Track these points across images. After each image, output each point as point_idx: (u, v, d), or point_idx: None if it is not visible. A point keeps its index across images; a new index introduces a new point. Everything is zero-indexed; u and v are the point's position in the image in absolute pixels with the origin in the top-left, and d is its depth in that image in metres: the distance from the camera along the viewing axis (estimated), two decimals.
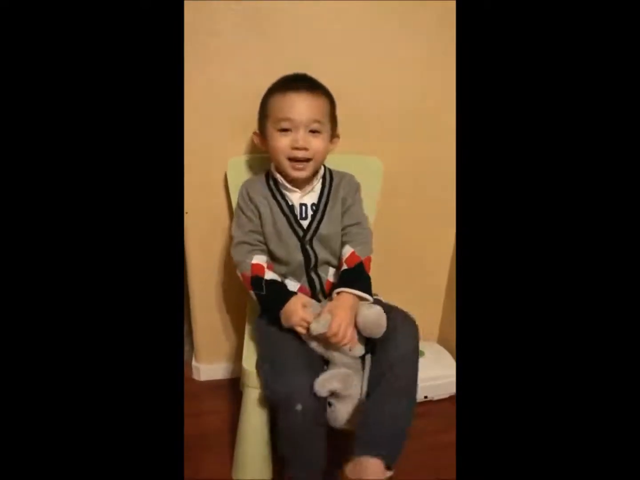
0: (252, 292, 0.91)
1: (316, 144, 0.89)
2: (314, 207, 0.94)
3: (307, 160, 0.89)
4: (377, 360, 0.85)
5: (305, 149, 0.88)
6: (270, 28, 0.98)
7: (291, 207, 0.94)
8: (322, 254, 0.95)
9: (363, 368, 0.87)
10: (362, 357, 0.87)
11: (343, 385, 0.81)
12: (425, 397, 1.25)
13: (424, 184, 1.21)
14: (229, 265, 1.19)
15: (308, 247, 0.94)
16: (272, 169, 0.96)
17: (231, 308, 1.27)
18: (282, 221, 0.93)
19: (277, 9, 0.96)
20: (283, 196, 0.94)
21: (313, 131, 0.88)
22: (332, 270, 0.97)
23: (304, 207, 0.94)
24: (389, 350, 0.83)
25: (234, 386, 1.29)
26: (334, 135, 0.94)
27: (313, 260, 0.95)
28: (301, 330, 0.84)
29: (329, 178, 0.97)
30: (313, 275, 0.96)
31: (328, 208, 0.94)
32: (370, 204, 1.03)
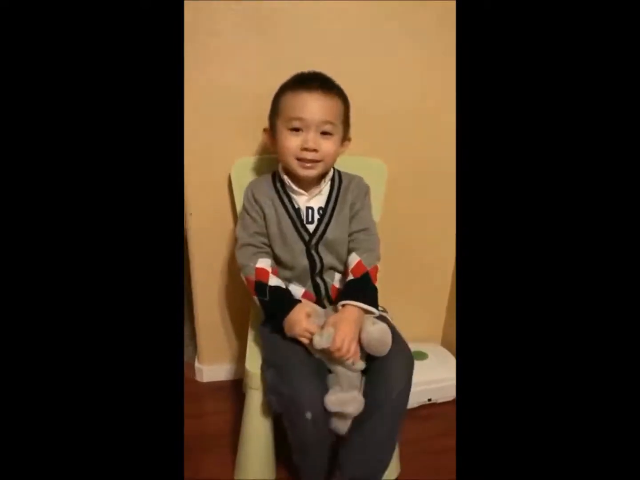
0: (255, 298, 0.89)
1: (326, 146, 0.86)
2: (320, 211, 0.92)
3: (316, 161, 0.87)
4: (368, 388, 0.83)
5: (315, 150, 0.85)
6: (270, 28, 0.98)
7: (297, 210, 0.91)
8: (328, 259, 0.93)
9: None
10: (363, 371, 0.85)
11: (356, 411, 0.80)
12: (429, 399, 1.24)
13: (426, 185, 1.21)
14: (233, 267, 1.20)
15: (313, 251, 0.92)
16: (280, 169, 0.93)
17: (234, 309, 1.26)
18: (287, 224, 0.91)
19: (277, 9, 0.97)
20: (289, 198, 0.92)
21: (324, 133, 0.86)
22: (337, 276, 0.95)
23: (310, 211, 0.92)
24: (380, 386, 0.82)
25: (236, 388, 1.29)
26: (345, 138, 0.92)
27: (319, 265, 0.92)
28: (304, 340, 0.83)
29: (338, 181, 0.95)
30: (318, 280, 0.94)
31: (335, 212, 0.92)
32: (374, 207, 1.02)
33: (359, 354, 0.82)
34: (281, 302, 0.87)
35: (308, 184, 0.91)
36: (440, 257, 1.32)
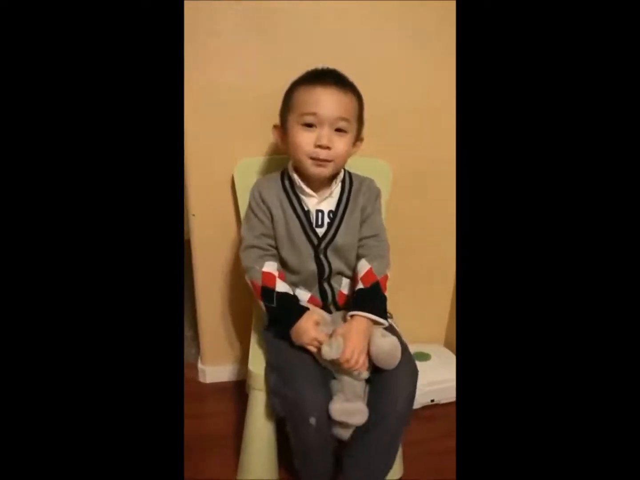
0: (261, 303, 0.87)
1: (340, 145, 0.83)
2: (331, 215, 0.89)
3: (329, 161, 0.83)
4: (372, 397, 0.82)
5: (329, 148, 0.82)
6: (270, 28, 0.98)
7: (307, 213, 0.88)
8: (337, 264, 0.90)
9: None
10: (367, 379, 0.84)
11: (360, 422, 0.79)
12: (432, 400, 1.23)
13: (430, 186, 1.21)
14: (236, 267, 1.20)
15: (322, 256, 0.89)
16: (290, 168, 0.90)
17: (237, 310, 1.26)
18: (296, 227, 0.88)
19: (277, 9, 0.97)
20: (299, 200, 0.89)
21: (338, 130, 0.82)
22: (345, 281, 0.93)
23: (320, 214, 0.89)
24: (385, 397, 0.81)
25: (239, 389, 1.29)
26: (358, 138, 0.89)
27: (327, 270, 0.90)
28: (312, 349, 0.81)
29: (349, 183, 0.92)
30: (326, 286, 0.92)
31: (346, 216, 0.89)
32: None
33: (366, 365, 0.80)
34: (289, 309, 0.84)
35: (318, 185, 0.88)
36: (443, 257, 1.31)
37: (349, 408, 0.79)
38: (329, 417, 0.78)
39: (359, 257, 0.91)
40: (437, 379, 1.22)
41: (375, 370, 0.82)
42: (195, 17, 0.93)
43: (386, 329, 0.85)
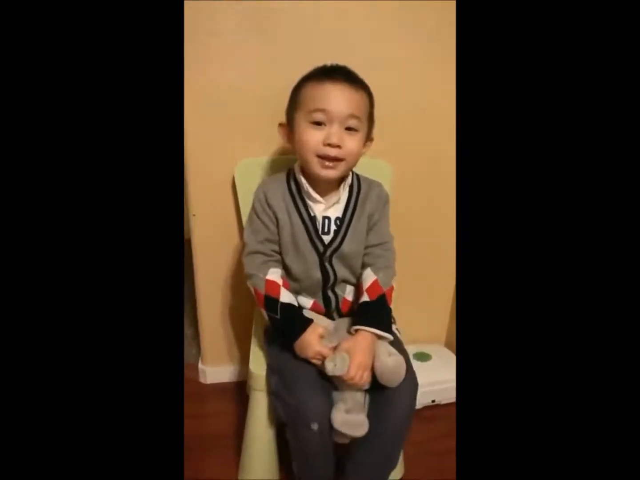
0: (264, 312, 0.85)
1: (351, 143, 0.79)
2: (337, 222, 0.86)
3: (339, 160, 0.80)
4: (373, 410, 0.81)
5: (339, 146, 0.78)
6: (270, 28, 0.98)
7: (313, 219, 0.85)
8: (342, 272, 0.88)
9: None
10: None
11: (362, 433, 0.79)
12: (433, 401, 1.23)
13: (430, 186, 1.21)
14: (236, 268, 1.20)
15: (327, 264, 0.87)
16: (296, 170, 0.86)
17: (238, 310, 1.26)
18: (301, 234, 0.85)
19: (277, 9, 0.97)
20: (305, 205, 0.85)
21: (349, 129, 0.79)
22: (349, 288, 0.91)
23: (327, 221, 0.86)
24: (386, 408, 0.80)
25: (240, 389, 1.29)
26: (368, 137, 0.85)
27: (332, 278, 0.88)
28: (316, 362, 0.80)
29: (357, 187, 0.88)
30: (329, 293, 0.90)
31: (353, 224, 0.86)
32: None
33: (369, 380, 0.79)
34: (293, 321, 0.82)
35: (326, 189, 0.85)
36: (444, 257, 1.31)
37: (351, 420, 0.78)
38: (331, 424, 0.77)
39: (364, 266, 0.89)
40: (438, 380, 1.22)
41: (377, 382, 0.81)
42: (195, 17, 0.93)
43: (391, 343, 0.83)
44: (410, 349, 0.90)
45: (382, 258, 0.88)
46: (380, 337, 0.81)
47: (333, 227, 0.86)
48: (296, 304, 0.85)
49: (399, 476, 1.02)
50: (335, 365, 0.76)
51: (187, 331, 1.50)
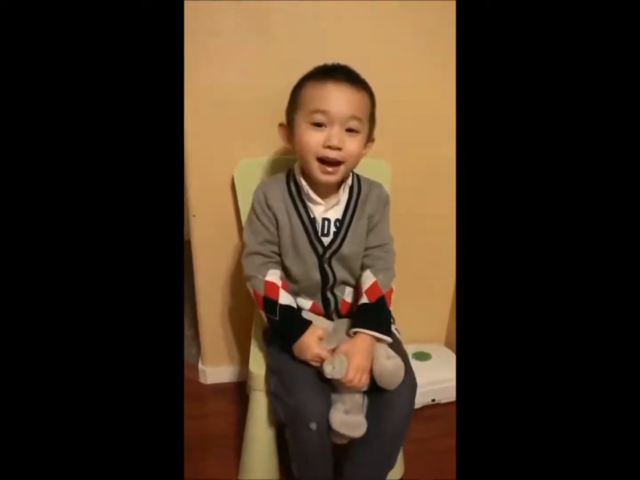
0: (263, 314, 0.85)
1: (351, 145, 0.78)
2: (337, 224, 0.85)
3: (338, 163, 0.78)
4: (371, 411, 0.81)
5: (339, 148, 0.77)
6: (270, 28, 0.98)
7: (312, 221, 0.84)
8: (341, 273, 0.87)
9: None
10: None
11: (360, 434, 0.79)
12: (433, 400, 1.23)
13: (430, 185, 1.21)
14: (236, 268, 1.20)
15: (326, 266, 0.86)
16: (296, 172, 0.85)
17: (238, 311, 1.26)
18: (301, 235, 0.84)
19: (277, 9, 0.97)
20: (305, 207, 0.84)
21: (350, 130, 0.78)
22: (348, 289, 0.91)
23: (326, 223, 0.85)
24: (385, 410, 0.80)
25: (240, 389, 1.29)
26: (369, 138, 0.84)
27: (331, 280, 0.87)
28: (315, 364, 0.80)
29: (357, 188, 0.87)
30: (329, 295, 0.89)
31: (352, 225, 0.85)
32: None
33: (368, 382, 0.79)
34: (292, 323, 0.82)
35: (326, 191, 0.84)
36: (443, 257, 1.31)
37: (349, 421, 0.78)
38: (329, 425, 0.77)
39: (363, 267, 0.88)
40: (438, 379, 1.22)
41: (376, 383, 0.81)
42: (195, 17, 0.93)
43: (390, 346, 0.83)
44: (410, 349, 0.90)
45: (381, 260, 0.87)
46: (379, 340, 0.81)
47: (333, 229, 0.85)
48: (295, 305, 0.85)
49: (399, 476, 1.02)
50: (333, 368, 0.76)
51: (187, 332, 1.50)
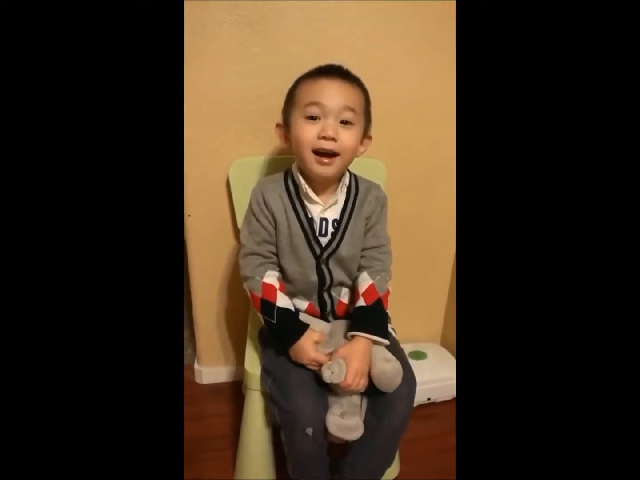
0: (260, 315, 0.85)
1: (346, 137, 0.78)
2: (335, 224, 0.85)
3: (334, 155, 0.78)
4: (370, 411, 0.82)
5: (334, 139, 0.77)
6: (270, 28, 0.98)
7: (310, 221, 0.84)
8: (338, 274, 0.87)
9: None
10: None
11: (357, 437, 0.78)
12: (428, 399, 1.24)
13: (424, 184, 1.21)
14: (232, 268, 1.20)
15: (324, 266, 0.86)
16: (294, 170, 0.86)
17: (233, 311, 1.26)
18: (299, 235, 0.84)
19: (276, 9, 0.97)
20: (303, 207, 0.84)
21: (344, 122, 0.78)
22: (344, 290, 0.91)
23: (324, 223, 0.85)
24: (384, 412, 0.80)
25: (236, 389, 1.29)
26: (366, 135, 0.85)
27: (328, 281, 0.87)
28: (312, 368, 0.80)
29: (355, 189, 0.87)
30: (325, 296, 0.89)
31: (350, 226, 0.85)
32: None
33: (366, 385, 0.79)
34: (288, 326, 0.82)
35: (324, 190, 0.85)
36: (438, 257, 1.32)
37: (346, 424, 0.77)
38: (326, 428, 0.77)
39: (360, 269, 0.88)
40: (433, 378, 1.23)
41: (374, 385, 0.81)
42: (195, 17, 0.93)
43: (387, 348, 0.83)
44: (406, 348, 0.90)
45: (378, 261, 0.87)
46: (376, 343, 0.81)
47: (330, 229, 0.85)
48: (292, 308, 0.85)
49: (395, 475, 1.02)
50: (332, 372, 0.76)
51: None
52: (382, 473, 0.87)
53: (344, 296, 0.91)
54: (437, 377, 1.23)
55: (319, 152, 0.78)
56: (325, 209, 0.85)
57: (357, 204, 0.86)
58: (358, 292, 0.86)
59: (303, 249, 0.84)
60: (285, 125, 0.84)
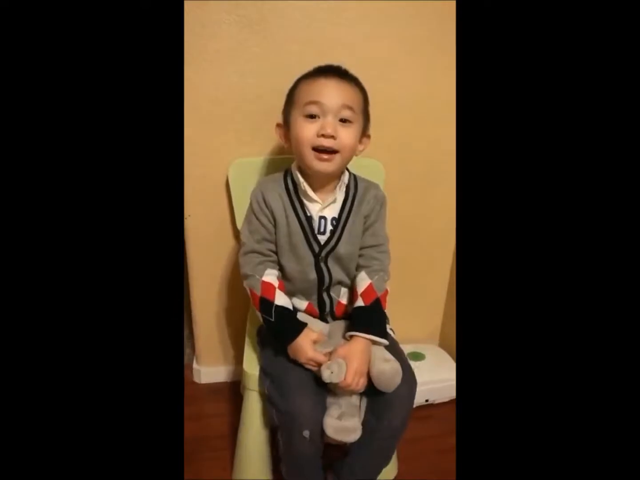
0: (259, 314, 0.85)
1: (345, 135, 0.79)
2: (334, 222, 0.86)
3: (334, 152, 0.80)
4: (370, 412, 0.82)
5: (333, 137, 0.78)
6: (270, 28, 0.98)
7: (309, 219, 0.85)
8: (337, 273, 0.88)
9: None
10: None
11: (355, 439, 0.78)
12: (427, 400, 1.24)
13: (423, 185, 1.21)
14: (231, 267, 1.20)
15: (322, 265, 0.87)
16: (294, 169, 0.87)
17: (232, 311, 1.26)
18: (298, 234, 0.85)
19: (276, 9, 0.97)
20: (302, 205, 0.85)
21: (343, 120, 0.79)
22: (343, 291, 0.91)
23: (323, 221, 0.86)
24: (383, 414, 0.80)
25: (234, 389, 1.29)
26: (364, 133, 0.86)
27: (327, 280, 0.87)
28: (310, 367, 0.80)
29: (354, 188, 0.88)
30: (325, 296, 0.90)
31: (349, 224, 0.86)
32: None
33: (365, 384, 0.79)
34: (287, 324, 0.82)
35: (323, 188, 0.86)
36: (437, 257, 1.32)
37: (343, 426, 0.77)
38: (323, 430, 0.77)
39: (358, 268, 0.89)
40: (432, 379, 1.22)
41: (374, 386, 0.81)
42: (195, 18, 0.93)
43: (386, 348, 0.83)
44: (404, 349, 0.90)
45: (377, 261, 0.88)
46: (375, 343, 0.81)
47: (329, 227, 0.86)
48: (291, 307, 0.85)
49: (392, 476, 1.02)
50: (332, 372, 0.76)
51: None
52: (379, 472, 0.88)
53: (342, 297, 0.91)
54: (435, 378, 1.23)
55: (318, 150, 0.80)
56: (324, 207, 0.85)
57: (355, 202, 0.87)
58: (356, 292, 0.86)
59: (302, 246, 0.85)
60: (286, 125, 0.85)
